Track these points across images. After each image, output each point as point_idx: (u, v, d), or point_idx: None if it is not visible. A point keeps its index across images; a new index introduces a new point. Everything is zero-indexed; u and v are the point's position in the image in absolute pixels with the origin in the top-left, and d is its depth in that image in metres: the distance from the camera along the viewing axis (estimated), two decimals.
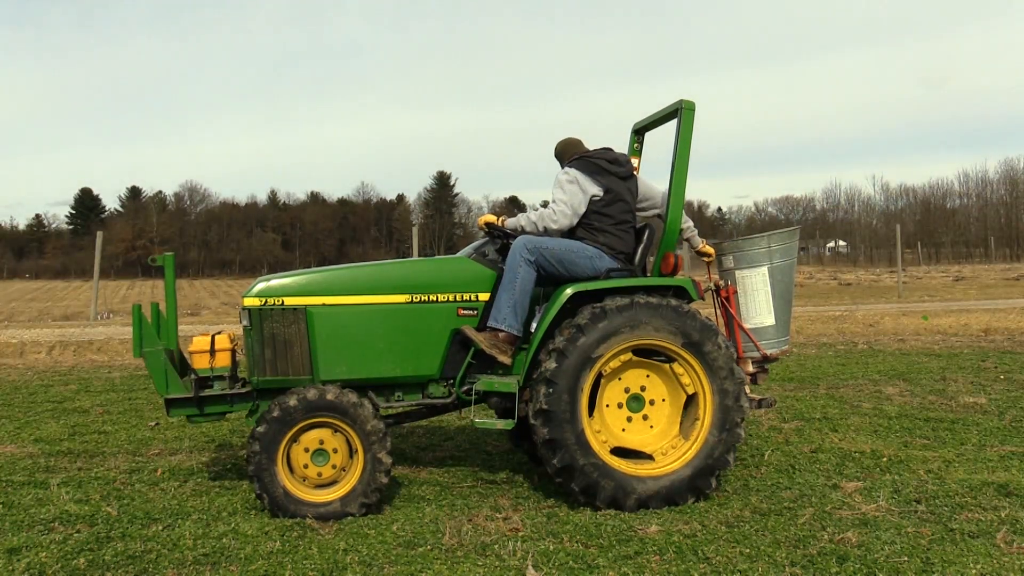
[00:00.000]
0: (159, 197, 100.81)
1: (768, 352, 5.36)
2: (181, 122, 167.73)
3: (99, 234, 19.25)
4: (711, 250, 5.60)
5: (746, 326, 5.35)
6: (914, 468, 5.32)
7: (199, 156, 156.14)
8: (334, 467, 4.68)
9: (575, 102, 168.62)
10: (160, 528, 4.37)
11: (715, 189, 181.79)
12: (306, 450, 4.66)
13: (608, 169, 5.17)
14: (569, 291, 4.84)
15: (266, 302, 4.91)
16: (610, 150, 5.32)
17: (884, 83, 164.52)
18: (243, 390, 5.02)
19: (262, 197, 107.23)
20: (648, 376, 4.94)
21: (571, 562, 3.82)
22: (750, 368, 5.35)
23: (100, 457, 6.04)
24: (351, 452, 4.71)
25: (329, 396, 4.65)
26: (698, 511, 4.54)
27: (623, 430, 4.91)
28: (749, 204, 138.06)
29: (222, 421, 5.77)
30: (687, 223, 5.45)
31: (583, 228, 5.11)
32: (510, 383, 4.89)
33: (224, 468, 5.62)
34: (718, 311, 5.46)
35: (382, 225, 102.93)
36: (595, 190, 5.09)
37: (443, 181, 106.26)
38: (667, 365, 4.89)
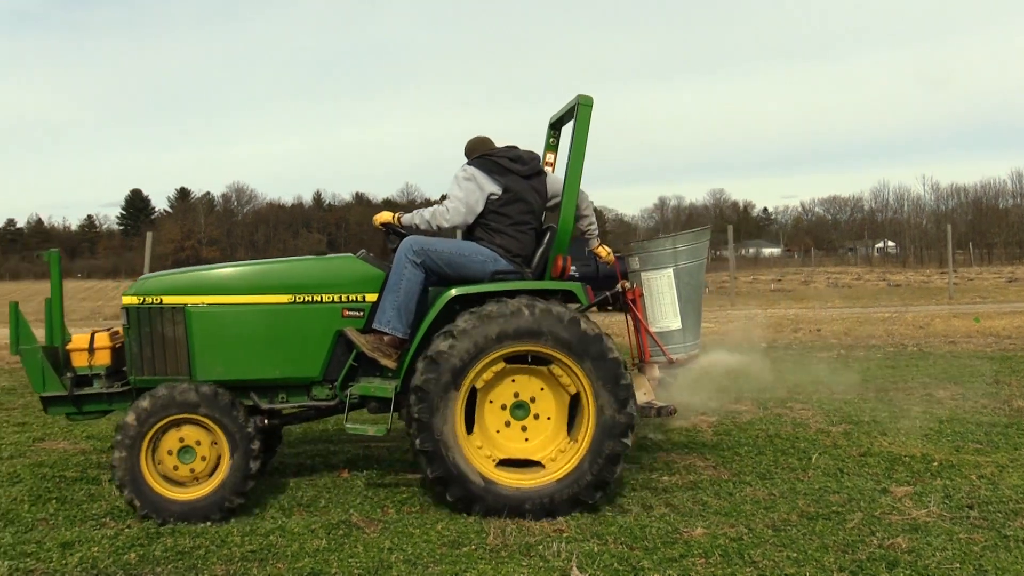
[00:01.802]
0: (207, 198, 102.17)
1: (674, 357, 5.22)
2: (229, 124, 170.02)
3: (149, 235, 19.59)
4: (604, 251, 5.50)
5: (652, 329, 5.23)
6: (966, 473, 5.22)
7: (246, 158, 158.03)
8: (202, 465, 4.65)
9: (617, 101, 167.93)
10: (208, 525, 4.44)
11: (761, 189, 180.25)
12: (170, 452, 4.64)
13: (509, 168, 5.04)
14: (451, 294, 4.73)
15: (144, 301, 4.86)
16: (514, 148, 5.21)
17: (934, 81, 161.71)
18: (122, 389, 4.93)
19: (308, 198, 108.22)
20: (530, 380, 4.82)
21: (616, 564, 3.81)
22: (656, 373, 5.23)
23: None
24: (219, 451, 4.68)
25: (195, 395, 4.63)
26: (744, 514, 4.49)
27: (508, 439, 4.81)
28: (796, 204, 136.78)
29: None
30: (590, 222, 5.43)
31: (480, 228, 5.00)
32: (387, 388, 4.80)
33: (271, 467, 5.68)
34: (628, 314, 5.32)
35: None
36: (493, 188, 4.97)
37: None
38: (545, 368, 4.75)
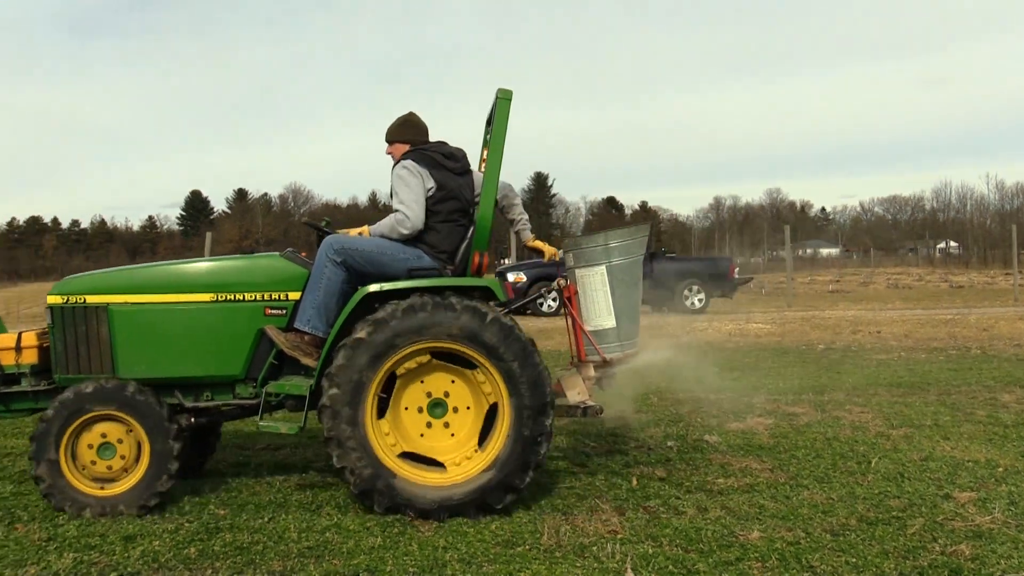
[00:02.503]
0: (265, 199, 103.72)
1: (608, 356, 5.13)
2: (286, 126, 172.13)
3: (208, 235, 19.94)
4: (541, 245, 5.43)
5: (587, 328, 5.16)
6: None
7: (303, 159, 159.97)
8: (121, 461, 4.70)
9: (671, 99, 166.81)
10: (266, 520, 4.50)
11: (819, 188, 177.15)
12: (90, 445, 4.69)
13: (443, 164, 5.03)
14: (366, 291, 4.70)
15: (68, 300, 4.90)
16: (445, 144, 5.18)
17: (997, 77, 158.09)
18: (48, 387, 4.96)
19: (363, 198, 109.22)
20: (453, 382, 4.78)
21: (671, 566, 3.78)
22: (592, 372, 5.15)
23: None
24: (138, 448, 4.72)
25: (116, 391, 4.68)
26: (801, 518, 4.43)
27: (421, 435, 4.76)
28: (855, 204, 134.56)
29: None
30: (519, 213, 5.41)
31: None
32: (302, 385, 4.79)
33: (327, 464, 5.73)
34: (566, 313, 5.26)
35: None
36: (429, 184, 4.95)
37: (540, 182, 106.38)
38: (471, 372, 4.71)
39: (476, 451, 4.69)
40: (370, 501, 4.56)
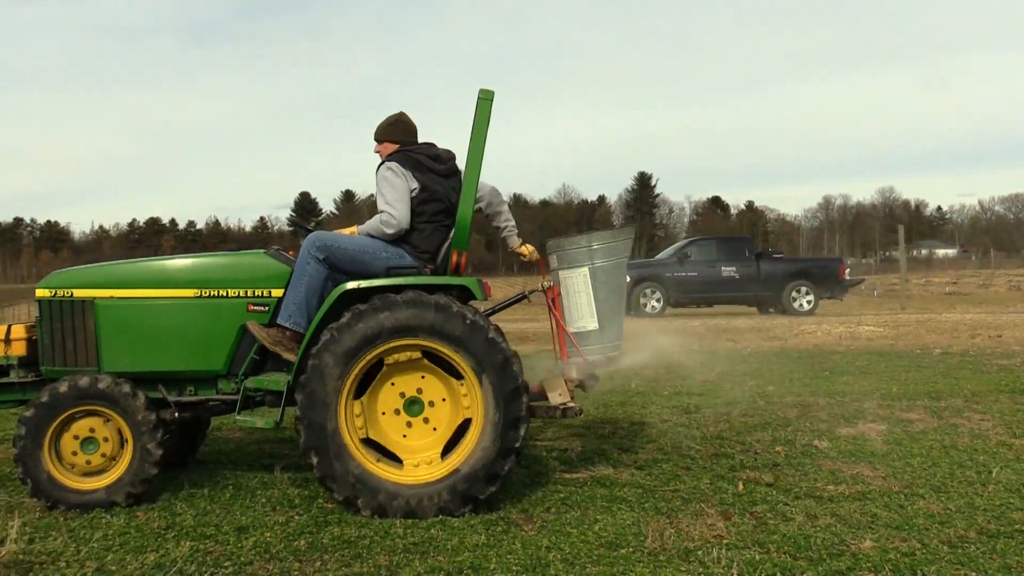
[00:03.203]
0: (371, 200, 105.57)
1: (591, 358, 5.09)
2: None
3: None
4: (527, 250, 5.36)
5: (570, 329, 5.12)
6: None
7: None
8: (104, 456, 4.79)
9: (784, 96, 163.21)
10: (373, 515, 4.56)
11: (934, 187, 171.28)
12: (75, 437, 4.77)
13: (428, 166, 5.05)
14: (343, 289, 4.71)
15: (56, 293, 5.00)
16: (432, 145, 5.19)
17: None
18: (35, 379, 5.06)
19: None
20: (423, 378, 4.77)
21: (778, 574, 3.69)
22: (574, 374, 5.09)
23: None
24: (121, 442, 4.79)
25: (100, 385, 4.74)
26: (917, 528, 4.27)
27: (404, 436, 4.77)
28: (973, 203, 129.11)
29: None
30: (506, 219, 5.38)
31: None
32: (279, 381, 4.81)
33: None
34: (550, 314, 5.24)
35: (583, 227, 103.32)
36: (412, 185, 4.97)
37: (644, 182, 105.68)
38: (455, 381, 4.72)
39: (439, 460, 4.71)
40: (356, 509, 4.58)
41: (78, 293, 5.02)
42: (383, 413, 4.79)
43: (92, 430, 4.81)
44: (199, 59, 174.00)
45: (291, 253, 5.30)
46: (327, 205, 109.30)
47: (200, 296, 5.00)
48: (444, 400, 4.79)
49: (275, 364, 5.02)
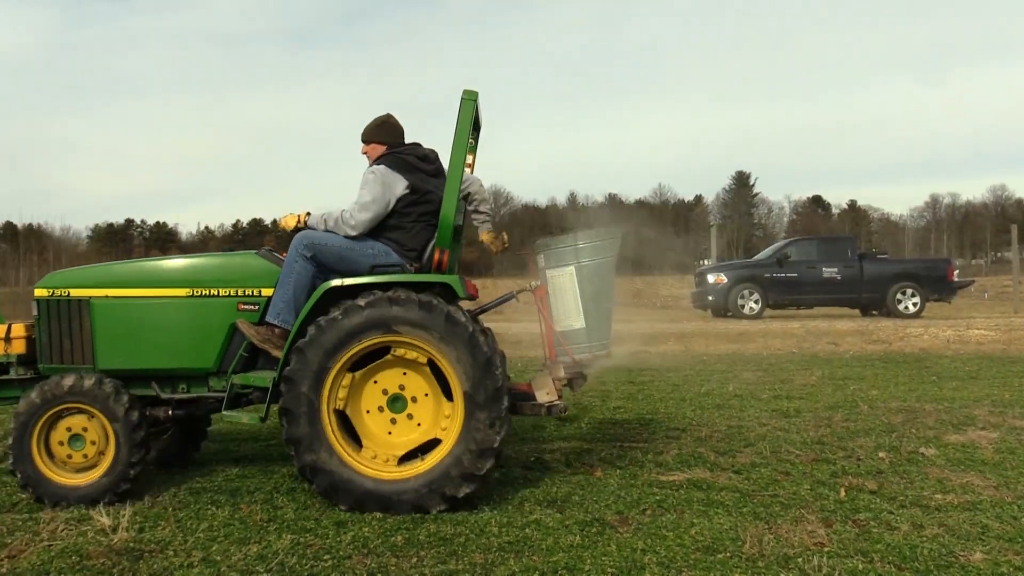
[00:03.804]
0: None
1: (577, 357, 5.11)
2: (489, 128, 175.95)
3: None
4: (488, 237, 5.33)
5: (557, 329, 5.14)
6: None
7: (504, 160, 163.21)
8: (89, 453, 4.92)
9: (886, 93, 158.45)
10: (468, 514, 4.60)
11: None
12: (66, 431, 4.91)
13: (416, 166, 5.12)
14: (328, 287, 4.77)
15: (53, 293, 5.15)
16: (419, 146, 5.26)
17: None
18: (33, 376, 5.18)
19: (561, 199, 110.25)
20: (405, 374, 4.83)
21: None
22: (561, 373, 5.11)
23: None
24: (106, 439, 4.90)
25: (84, 384, 4.86)
26: None
27: (389, 433, 4.83)
28: None
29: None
30: (483, 211, 5.48)
31: (379, 224, 5.07)
32: (264, 378, 4.89)
33: (529, 460, 5.83)
34: (540, 313, 5.27)
35: (679, 226, 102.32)
36: (401, 187, 5.04)
37: (742, 181, 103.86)
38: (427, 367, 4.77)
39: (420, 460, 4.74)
40: (336, 499, 4.67)
41: (75, 293, 5.17)
42: (367, 411, 4.86)
43: (82, 428, 4.96)
44: (300, 63, 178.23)
45: (283, 254, 5.37)
46: None
47: (192, 295, 5.12)
48: (427, 395, 4.85)
49: (265, 362, 5.13)
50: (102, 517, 4.43)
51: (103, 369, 5.11)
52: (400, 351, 4.75)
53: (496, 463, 4.73)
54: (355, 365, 4.77)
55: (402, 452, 4.78)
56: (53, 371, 5.12)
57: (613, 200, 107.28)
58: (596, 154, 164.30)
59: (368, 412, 4.86)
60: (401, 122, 5.41)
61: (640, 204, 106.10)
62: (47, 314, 5.18)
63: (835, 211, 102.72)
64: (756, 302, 20.36)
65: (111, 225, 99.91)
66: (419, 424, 4.85)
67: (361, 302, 4.66)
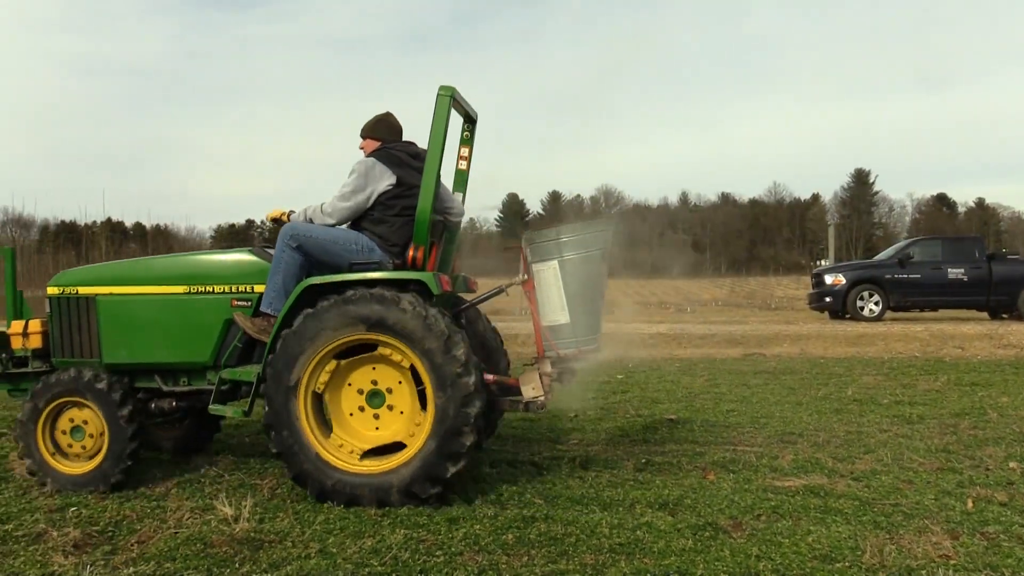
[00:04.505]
0: (577, 200, 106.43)
1: (562, 351, 5.10)
2: (600, 127, 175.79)
3: (524, 236, 20.80)
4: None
5: (543, 323, 5.13)
6: None
7: (615, 160, 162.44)
8: (88, 444, 5.21)
9: (1015, 85, 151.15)
10: (578, 514, 4.59)
11: None
12: (69, 422, 5.23)
13: (407, 162, 5.21)
14: (308, 283, 4.91)
15: (63, 291, 5.44)
16: (413, 144, 5.34)
17: None
18: (47, 369, 5.45)
19: (673, 199, 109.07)
20: (374, 368, 4.93)
21: None
22: (548, 368, 5.12)
23: (525, 443, 6.51)
24: (102, 431, 5.17)
25: (80, 378, 5.14)
26: None
27: (376, 428, 4.95)
28: None
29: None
30: (457, 216, 5.64)
31: (366, 216, 5.20)
32: (250, 372, 5.08)
33: (640, 462, 5.78)
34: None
35: (795, 226, 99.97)
36: (388, 181, 5.14)
37: (861, 179, 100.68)
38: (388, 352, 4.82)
39: (419, 424, 4.85)
40: (304, 485, 4.83)
41: (82, 290, 5.44)
42: (351, 415, 4.97)
43: (82, 420, 5.24)
44: (413, 66, 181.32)
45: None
46: (534, 206, 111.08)
47: (190, 292, 5.31)
48: (400, 383, 4.94)
49: (260, 356, 5.23)
50: (225, 507, 4.59)
51: (108, 363, 5.37)
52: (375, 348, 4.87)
53: (466, 465, 4.79)
54: (339, 356, 4.92)
55: (360, 444, 4.90)
56: (64, 364, 5.42)
57: (726, 200, 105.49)
58: (709, 152, 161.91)
59: (352, 415, 4.99)
60: (381, 121, 5.51)
61: (754, 203, 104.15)
62: (58, 311, 5.47)
63: (961, 210, 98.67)
64: (876, 304, 19.70)
65: (232, 225, 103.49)
66: (401, 412, 4.95)
67: (330, 301, 4.81)
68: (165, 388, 5.45)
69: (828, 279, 20.43)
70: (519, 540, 4.18)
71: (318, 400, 4.93)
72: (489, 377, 5.17)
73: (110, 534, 4.35)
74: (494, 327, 6.06)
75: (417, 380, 4.88)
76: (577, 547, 4.08)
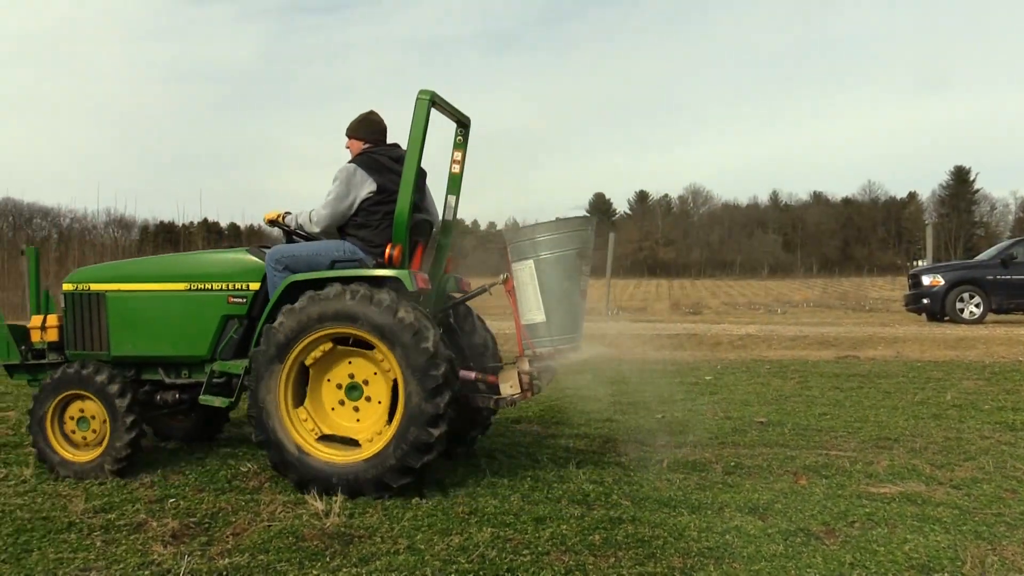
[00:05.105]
0: (665, 200, 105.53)
1: (539, 350, 5.16)
2: (686, 126, 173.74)
3: (611, 236, 20.74)
4: None
5: (522, 322, 5.21)
6: None
7: (703, 159, 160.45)
8: (90, 435, 5.49)
9: None
10: (666, 516, 4.55)
11: None
12: (79, 412, 5.50)
13: (389, 167, 5.33)
14: (292, 279, 5.13)
15: (77, 287, 5.77)
16: (397, 147, 5.44)
17: None
18: (62, 361, 5.76)
19: (763, 198, 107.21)
20: (351, 363, 5.09)
21: None
22: (526, 366, 5.10)
23: (612, 443, 6.46)
24: (104, 421, 5.44)
25: (83, 372, 5.42)
26: None
27: (358, 420, 5.10)
28: None
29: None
30: (434, 221, 5.73)
31: (348, 222, 5.37)
32: (238, 365, 5.32)
33: (729, 465, 5.69)
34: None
35: (890, 225, 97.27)
36: (369, 187, 5.30)
37: (961, 176, 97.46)
38: (371, 352, 4.96)
39: (386, 427, 4.94)
40: (285, 474, 5.04)
41: (94, 287, 5.76)
42: (332, 409, 5.15)
43: (86, 412, 5.52)
44: (496, 67, 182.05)
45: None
46: (621, 205, 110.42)
47: (190, 289, 5.57)
48: (376, 374, 5.06)
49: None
50: (316, 502, 4.69)
51: (116, 356, 5.67)
52: (323, 346, 5.03)
53: (434, 457, 4.88)
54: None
55: (372, 431, 5.01)
56: (76, 357, 5.72)
57: (818, 199, 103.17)
58: (800, 150, 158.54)
59: (333, 409, 5.16)
60: (364, 121, 5.63)
61: (847, 202, 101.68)
62: (72, 306, 5.79)
63: None
64: (977, 306, 19.02)
65: None
66: (379, 402, 5.07)
67: (305, 297, 4.99)
68: (168, 380, 5.72)
69: (926, 280, 19.79)
70: (606, 541, 4.15)
71: (300, 392, 5.13)
72: (471, 374, 5.30)
73: (206, 525, 4.48)
74: (487, 326, 6.14)
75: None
76: (665, 550, 4.04)
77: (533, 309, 5.23)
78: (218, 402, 5.46)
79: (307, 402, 5.12)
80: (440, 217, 5.90)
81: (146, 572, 3.79)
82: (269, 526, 4.41)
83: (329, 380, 5.15)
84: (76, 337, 5.79)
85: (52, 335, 5.91)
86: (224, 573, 3.77)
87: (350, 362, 5.13)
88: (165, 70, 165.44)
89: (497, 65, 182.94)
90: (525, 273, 5.22)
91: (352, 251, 5.34)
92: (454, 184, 5.91)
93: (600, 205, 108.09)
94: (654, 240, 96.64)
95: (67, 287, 5.87)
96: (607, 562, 3.89)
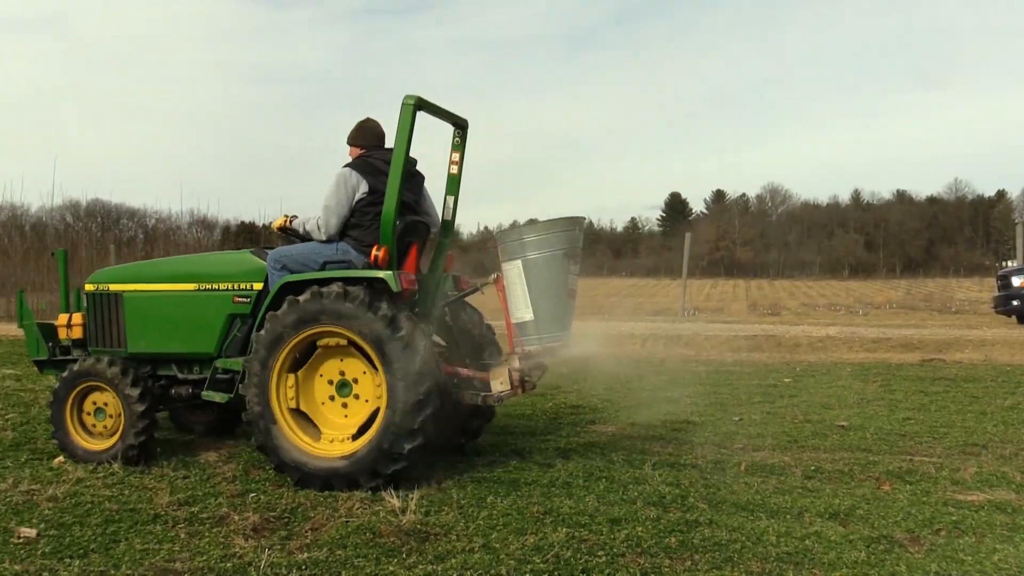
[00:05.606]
0: (742, 199, 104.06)
1: (528, 348, 5.28)
2: (764, 125, 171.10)
3: (687, 235, 20.55)
4: None
5: (511, 320, 5.32)
6: None
7: (781, 158, 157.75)
8: (108, 424, 5.78)
9: None
10: (744, 520, 4.48)
11: None
12: (94, 404, 5.80)
13: (383, 170, 5.39)
14: (285, 280, 5.30)
15: (97, 288, 6.06)
16: (391, 151, 5.41)
17: None
18: (85, 358, 5.95)
19: (844, 197, 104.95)
20: (342, 360, 5.25)
21: None
22: (516, 364, 5.28)
23: (688, 445, 6.39)
24: (119, 412, 5.71)
25: (98, 366, 5.71)
26: None
27: (346, 416, 5.26)
28: None
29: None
30: (433, 224, 5.86)
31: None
32: (238, 362, 5.46)
33: (809, 469, 5.58)
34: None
35: (978, 225, 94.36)
36: (363, 190, 5.43)
37: None
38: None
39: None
40: (283, 473, 5.23)
41: (113, 287, 6.06)
42: (323, 404, 5.32)
43: (104, 403, 5.81)
44: (574, 67, 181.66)
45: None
46: (697, 205, 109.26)
47: (199, 289, 5.83)
48: (365, 373, 5.22)
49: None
50: (393, 499, 4.74)
51: (132, 352, 5.96)
52: (330, 340, 5.19)
53: (422, 442, 5.00)
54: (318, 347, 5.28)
55: (354, 430, 5.19)
56: (97, 353, 6.02)
57: (902, 197, 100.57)
58: (883, 149, 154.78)
59: (323, 404, 5.33)
60: (361, 128, 5.76)
61: (932, 201, 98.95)
62: (93, 305, 6.10)
63: None
64: None
65: None
66: (367, 401, 5.23)
67: (289, 300, 5.15)
68: (180, 376, 5.98)
69: (1016, 281, 19.11)
70: (682, 544, 4.11)
71: (295, 392, 5.27)
72: (463, 371, 5.53)
73: (286, 520, 4.56)
74: (488, 325, 6.18)
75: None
76: (743, 554, 3.98)
77: (521, 308, 5.34)
78: (219, 398, 5.65)
79: (302, 399, 5.29)
80: (440, 218, 6.06)
81: (228, 564, 3.88)
82: (347, 522, 4.47)
83: (321, 376, 5.34)
84: (97, 334, 6.11)
85: (77, 332, 6.23)
86: (303, 567, 3.83)
87: (342, 359, 5.30)
88: (246, 72, 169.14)
89: (572, 65, 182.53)
90: (514, 273, 5.33)
91: (345, 251, 5.51)
92: (452, 185, 6.04)
93: (676, 205, 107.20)
94: (731, 240, 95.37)
95: (89, 287, 6.16)
96: (683, 565, 3.85)
